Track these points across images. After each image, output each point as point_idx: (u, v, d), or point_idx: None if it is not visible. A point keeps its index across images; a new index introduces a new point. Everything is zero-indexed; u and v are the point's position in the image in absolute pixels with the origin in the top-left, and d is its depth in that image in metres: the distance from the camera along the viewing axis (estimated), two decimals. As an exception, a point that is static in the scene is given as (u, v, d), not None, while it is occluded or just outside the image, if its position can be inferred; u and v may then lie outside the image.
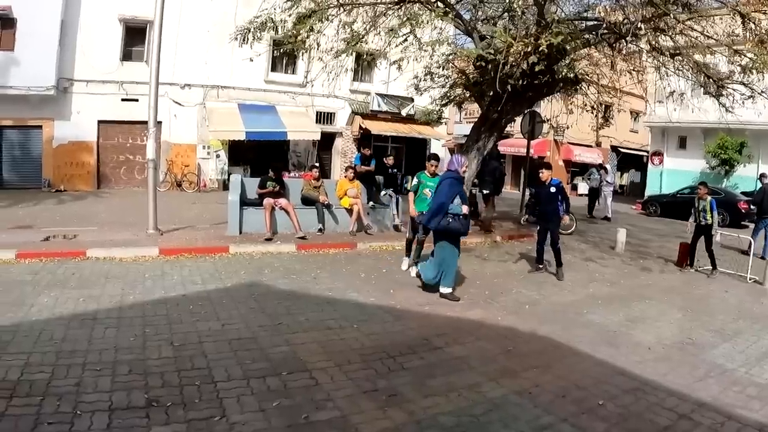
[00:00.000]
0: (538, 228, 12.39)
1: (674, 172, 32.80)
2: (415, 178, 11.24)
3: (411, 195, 11.23)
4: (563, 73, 14.47)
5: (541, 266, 12.26)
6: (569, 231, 17.86)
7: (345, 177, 15.97)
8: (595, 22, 14.21)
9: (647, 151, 37.76)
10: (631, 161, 45.54)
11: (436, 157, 11.62)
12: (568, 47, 13.27)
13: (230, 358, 6.40)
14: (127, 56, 27.27)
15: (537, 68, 12.66)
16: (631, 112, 40.11)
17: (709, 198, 13.35)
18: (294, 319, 8.08)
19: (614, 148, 44.45)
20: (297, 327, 7.71)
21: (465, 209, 9.35)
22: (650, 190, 34.21)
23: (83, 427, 4.78)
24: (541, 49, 12.03)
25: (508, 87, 13.52)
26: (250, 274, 10.84)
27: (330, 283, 10.36)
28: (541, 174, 11.92)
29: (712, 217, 13.22)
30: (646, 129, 38.08)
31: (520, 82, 13.78)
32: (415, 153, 34.98)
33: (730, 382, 6.56)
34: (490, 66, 13.51)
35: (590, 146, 42.21)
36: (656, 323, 8.91)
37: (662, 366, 6.93)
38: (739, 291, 11.78)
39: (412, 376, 6.21)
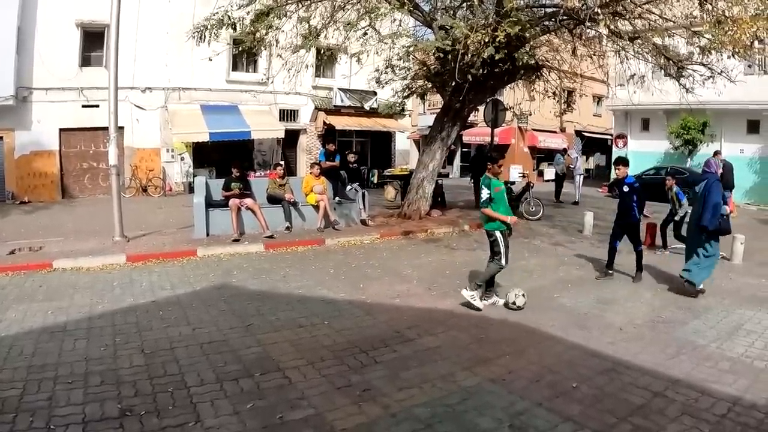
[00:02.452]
0: (613, 228, 11.11)
1: (639, 154, 32.87)
2: (485, 188, 8.56)
3: (489, 210, 8.64)
4: (524, 61, 14.58)
5: (610, 272, 10.89)
6: (536, 217, 18.12)
7: (311, 173, 15.98)
8: (554, 9, 14.29)
9: (611, 135, 37.98)
10: (595, 145, 45.79)
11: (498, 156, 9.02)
12: (528, 35, 13.35)
13: (202, 362, 6.39)
14: (86, 62, 26.79)
15: (497, 56, 12.76)
16: (593, 97, 40.35)
17: (675, 188, 13.43)
18: (265, 319, 8.10)
19: (578, 133, 44.75)
20: (268, 327, 7.72)
21: (728, 209, 9.61)
22: (615, 173, 34.28)
23: None
24: (498, 39, 12.09)
25: (469, 77, 13.59)
26: (219, 276, 10.83)
27: (299, 280, 10.37)
28: (617, 171, 10.99)
29: (680, 206, 13.28)
30: (609, 112, 38.20)
31: (481, 71, 13.86)
32: (380, 146, 35.08)
33: (703, 357, 6.65)
34: (450, 56, 13.56)
35: (555, 132, 42.41)
36: (627, 303, 9.03)
37: (634, 345, 7.01)
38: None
39: (386, 369, 6.24)
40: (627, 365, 6.36)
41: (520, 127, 38.94)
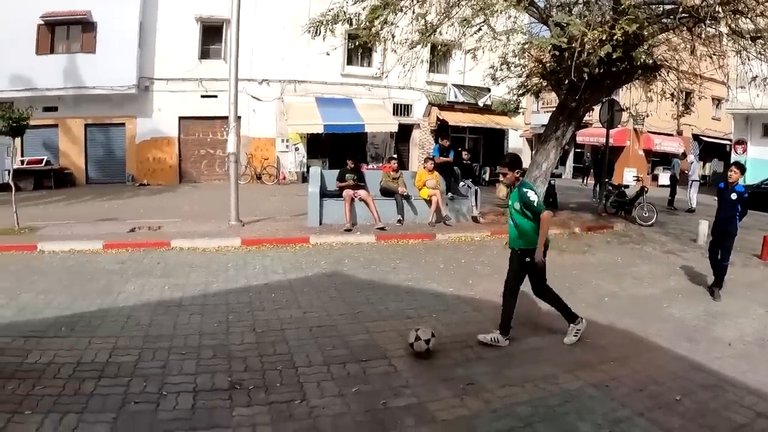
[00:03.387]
0: (710, 240, 10.52)
1: (759, 162, 31.47)
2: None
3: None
4: (641, 60, 14.28)
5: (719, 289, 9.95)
6: (649, 223, 17.66)
7: (424, 168, 16.12)
8: (673, 6, 13.92)
9: (730, 140, 36.63)
10: (713, 150, 44.05)
11: (515, 162, 7.56)
12: (645, 33, 13.07)
13: (311, 345, 6.65)
14: (204, 54, 28.33)
15: (614, 55, 12.55)
16: (713, 99, 38.64)
17: None
18: (373, 308, 8.30)
19: (696, 137, 43.36)
20: (376, 315, 7.92)
21: None
22: (729, 175, 32.97)
23: (168, 406, 5.10)
24: (615, 37, 11.90)
25: (585, 75, 13.40)
26: (330, 264, 11.12)
27: (409, 273, 10.52)
28: (730, 174, 10.05)
29: None
30: (728, 116, 36.82)
31: (597, 69, 13.65)
32: (493, 144, 34.91)
33: (814, 381, 6.32)
34: (566, 54, 13.40)
35: (671, 135, 41.14)
36: (737, 319, 8.63)
37: (742, 363, 6.73)
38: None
39: (490, 365, 6.29)
40: (733, 383, 6.12)
41: (635, 129, 38.00)
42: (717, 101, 40.45)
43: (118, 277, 9.68)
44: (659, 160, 40.89)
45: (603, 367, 6.38)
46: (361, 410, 5.13)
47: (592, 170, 31.68)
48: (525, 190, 7.04)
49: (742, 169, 10.16)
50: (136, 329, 7.11)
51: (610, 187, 20.49)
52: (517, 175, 7.32)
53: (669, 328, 7.98)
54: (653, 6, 14.77)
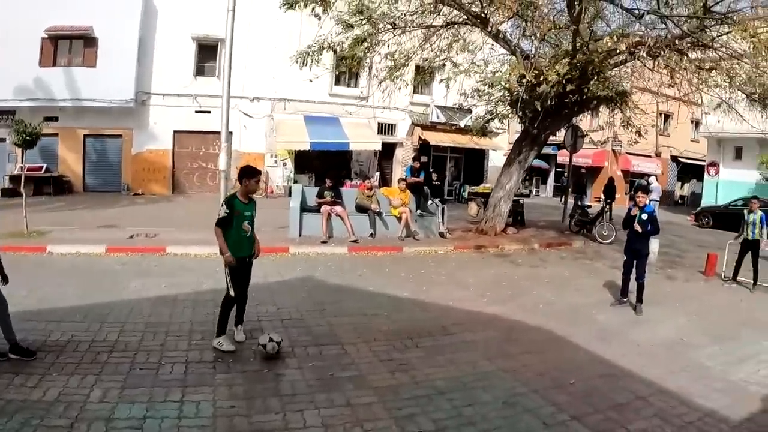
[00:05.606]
0: (625, 258, 11.07)
1: (730, 183, 32.74)
2: (224, 206, 7.48)
3: (219, 231, 7.44)
4: (594, 92, 15.47)
5: (625, 299, 10.88)
6: (608, 241, 18.49)
7: (398, 187, 17.53)
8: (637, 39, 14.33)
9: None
10: (692, 171, 45.03)
11: (251, 172, 7.76)
12: (590, 69, 14.31)
13: (281, 333, 7.92)
14: (200, 72, 29.59)
15: (568, 88, 13.86)
16: (692, 121, 39.37)
17: (759, 212, 13.13)
18: (337, 306, 9.77)
19: (674, 158, 44.38)
20: (338, 312, 9.40)
21: None
22: (706, 201, 34.11)
23: (166, 372, 6.71)
24: (549, 80, 13.22)
25: (538, 106, 14.71)
26: (305, 270, 12.53)
27: (372, 280, 11.90)
28: (638, 198, 10.83)
29: (761, 231, 13.06)
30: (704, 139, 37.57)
31: (550, 102, 14.93)
32: (474, 163, 36.14)
33: (701, 377, 7.31)
34: (523, 88, 14.61)
35: (649, 156, 42.29)
36: (657, 326, 9.60)
37: (643, 360, 7.79)
38: (758, 301, 12.09)
39: (423, 352, 7.73)
40: (628, 374, 7.24)
41: (613, 150, 38.85)
42: (696, 123, 40.80)
43: (121, 276, 11.21)
44: (636, 182, 41.81)
45: (518, 358, 7.72)
46: (313, 378, 6.63)
47: (570, 190, 32.68)
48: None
49: (645, 190, 11.28)
50: (139, 317, 8.65)
51: (577, 208, 21.43)
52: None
53: (589, 330, 9.12)
54: (616, 37, 14.91)
